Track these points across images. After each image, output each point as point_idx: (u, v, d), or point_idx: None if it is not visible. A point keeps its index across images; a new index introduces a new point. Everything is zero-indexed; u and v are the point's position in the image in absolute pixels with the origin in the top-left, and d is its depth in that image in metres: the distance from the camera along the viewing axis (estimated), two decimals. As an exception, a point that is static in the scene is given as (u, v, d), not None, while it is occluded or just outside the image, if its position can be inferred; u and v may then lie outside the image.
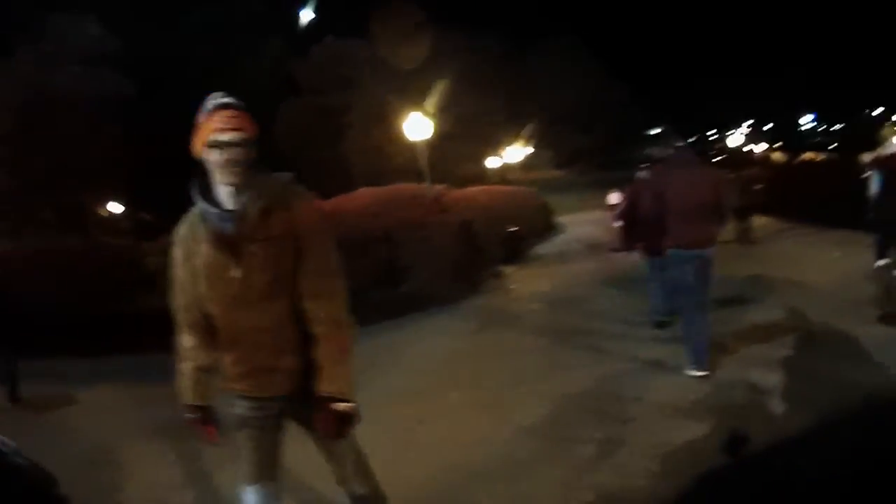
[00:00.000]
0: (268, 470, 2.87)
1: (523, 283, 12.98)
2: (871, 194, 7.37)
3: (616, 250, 9.08)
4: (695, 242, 5.88)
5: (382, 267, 11.41)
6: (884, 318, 6.60)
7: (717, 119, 59.72)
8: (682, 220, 5.88)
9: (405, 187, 14.63)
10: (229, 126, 2.57)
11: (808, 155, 37.20)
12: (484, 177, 32.09)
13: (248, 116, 2.64)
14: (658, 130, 13.88)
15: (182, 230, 2.79)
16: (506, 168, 37.33)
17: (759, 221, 15.06)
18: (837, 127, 55.81)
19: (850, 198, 11.17)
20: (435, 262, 11.88)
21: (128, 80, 21.99)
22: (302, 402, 2.72)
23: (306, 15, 31.85)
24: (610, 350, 7.08)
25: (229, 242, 2.65)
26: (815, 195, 15.68)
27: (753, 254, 12.66)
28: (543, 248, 18.48)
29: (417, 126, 15.16)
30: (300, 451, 3.06)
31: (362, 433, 2.96)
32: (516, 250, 16.22)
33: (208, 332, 2.80)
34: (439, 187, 14.79)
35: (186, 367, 2.85)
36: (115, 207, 25.57)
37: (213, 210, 2.66)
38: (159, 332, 2.92)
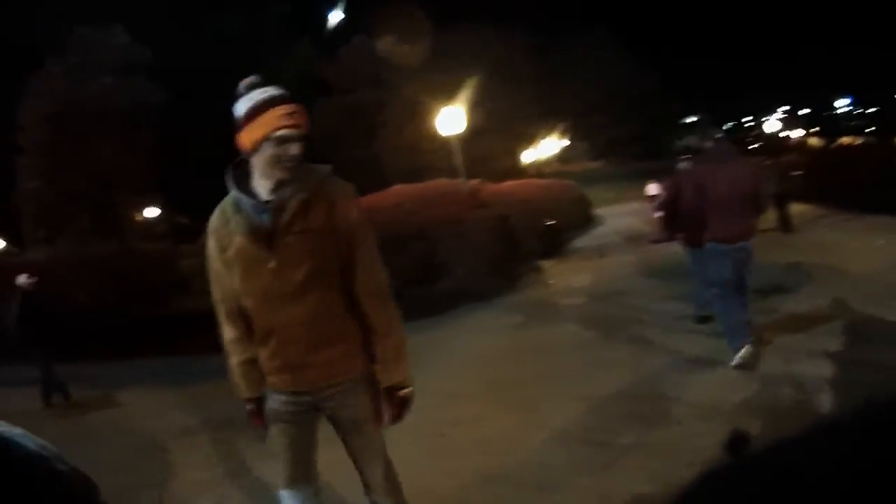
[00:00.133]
0: (303, 470, 2.82)
1: (562, 278, 12.80)
2: None
3: (656, 241, 8.90)
4: (734, 236, 5.83)
5: (419, 264, 11.31)
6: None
7: (752, 105, 58.79)
8: (722, 213, 5.81)
9: (440, 183, 14.47)
10: (292, 122, 2.54)
11: (845, 139, 36.44)
12: (520, 170, 31.89)
13: (305, 111, 2.60)
14: (694, 119, 13.69)
15: (215, 220, 2.73)
16: (542, 161, 37.10)
17: (797, 209, 14.74)
18: (873, 110, 54.57)
19: (889, 183, 10.81)
20: (472, 257, 11.76)
21: (159, 87, 22.17)
22: (335, 398, 2.72)
23: (335, 16, 31.97)
24: (651, 347, 6.87)
25: (265, 234, 2.59)
26: (853, 180, 15.36)
27: (793, 242, 12.42)
28: (582, 241, 18.30)
29: (450, 121, 15.04)
30: (330, 455, 3.01)
31: (391, 439, 2.93)
32: (554, 244, 16.06)
33: (247, 324, 2.75)
34: (474, 182, 14.62)
35: (232, 362, 2.82)
36: (151, 212, 25.97)
37: (250, 200, 2.62)
38: (194, 333, 2.87)
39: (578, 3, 41.47)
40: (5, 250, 23.99)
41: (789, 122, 55.55)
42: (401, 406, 2.77)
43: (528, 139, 34.59)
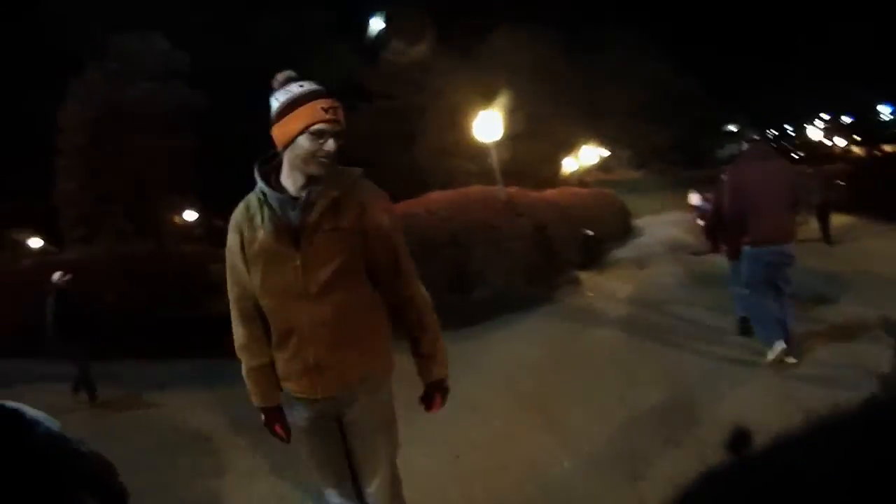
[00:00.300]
0: (342, 470, 2.81)
1: (600, 289, 12.45)
2: None
3: (697, 254, 8.65)
4: (771, 237, 5.81)
5: (453, 272, 11.08)
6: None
7: (794, 112, 57.61)
8: (759, 213, 5.79)
9: (476, 190, 14.23)
10: (331, 117, 2.47)
11: (887, 148, 35.54)
12: (560, 179, 31.58)
13: (342, 107, 2.54)
14: (736, 128, 13.54)
15: (238, 215, 2.64)
16: (583, 170, 36.75)
17: (840, 219, 14.37)
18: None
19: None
20: (508, 267, 11.51)
21: (198, 92, 22.56)
22: (355, 402, 2.67)
23: (376, 23, 32.06)
24: (691, 362, 6.58)
25: (291, 231, 2.53)
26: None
27: (836, 252, 12.22)
28: (622, 252, 17.97)
29: (488, 127, 14.83)
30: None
31: (405, 457, 2.82)
32: (593, 254, 15.73)
33: (264, 325, 2.68)
34: (511, 190, 14.38)
35: (245, 368, 2.75)
36: (189, 215, 26.36)
37: (278, 195, 2.54)
38: (226, 336, 2.79)
39: (615, 5, 40.80)
40: (43, 249, 24.62)
41: (832, 130, 54.52)
42: (441, 400, 2.83)
43: (569, 147, 34.24)
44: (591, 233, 16.06)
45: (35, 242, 26.55)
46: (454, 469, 4.69)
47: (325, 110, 2.45)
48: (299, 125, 2.45)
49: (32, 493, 1.94)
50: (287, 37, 25.47)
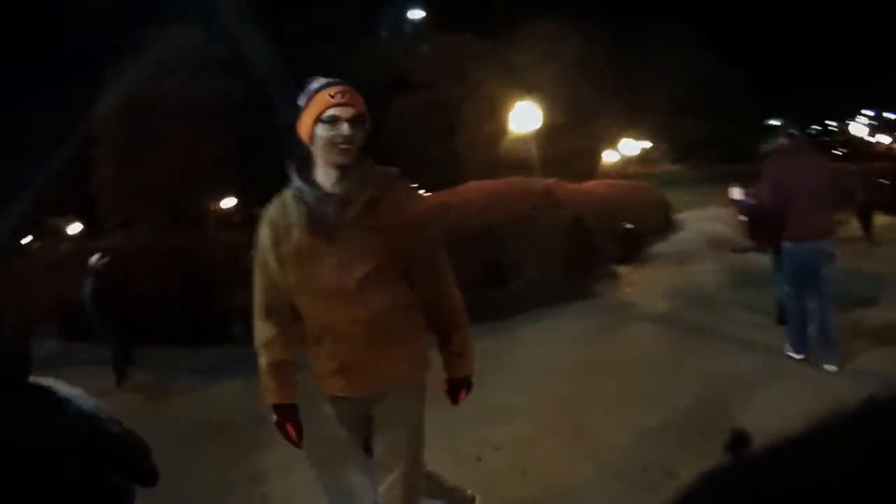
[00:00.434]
0: (360, 456, 2.91)
1: (638, 285, 12.22)
2: None
3: (738, 250, 8.45)
4: (810, 231, 5.75)
5: (488, 264, 10.98)
6: None
7: (837, 108, 56.36)
8: (798, 208, 5.74)
9: (514, 181, 14.06)
10: (343, 101, 2.46)
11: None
12: (600, 170, 31.29)
13: (358, 93, 2.54)
14: (778, 122, 13.23)
15: (273, 211, 2.62)
16: (624, 162, 36.38)
17: (882, 219, 13.95)
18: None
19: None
20: (544, 259, 11.36)
21: (236, 83, 22.87)
22: (388, 399, 2.67)
23: (416, 13, 31.97)
24: (729, 365, 6.37)
25: (328, 228, 2.52)
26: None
27: (878, 253, 11.82)
28: (661, 247, 17.64)
29: (526, 118, 14.69)
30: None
31: (426, 455, 2.80)
32: (632, 249, 15.49)
33: (289, 322, 2.67)
34: (549, 181, 14.20)
35: (262, 362, 2.70)
36: (227, 203, 26.67)
37: (314, 191, 2.53)
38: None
39: (659, -1, 40.10)
40: (82, 234, 25.19)
41: (876, 127, 53.19)
42: (466, 393, 2.87)
43: (610, 139, 33.89)
44: (630, 226, 15.82)
45: (74, 228, 27.17)
46: (475, 471, 4.57)
47: (333, 96, 2.45)
48: (313, 116, 2.47)
49: (56, 466, 2.04)
50: (324, 28, 25.55)
